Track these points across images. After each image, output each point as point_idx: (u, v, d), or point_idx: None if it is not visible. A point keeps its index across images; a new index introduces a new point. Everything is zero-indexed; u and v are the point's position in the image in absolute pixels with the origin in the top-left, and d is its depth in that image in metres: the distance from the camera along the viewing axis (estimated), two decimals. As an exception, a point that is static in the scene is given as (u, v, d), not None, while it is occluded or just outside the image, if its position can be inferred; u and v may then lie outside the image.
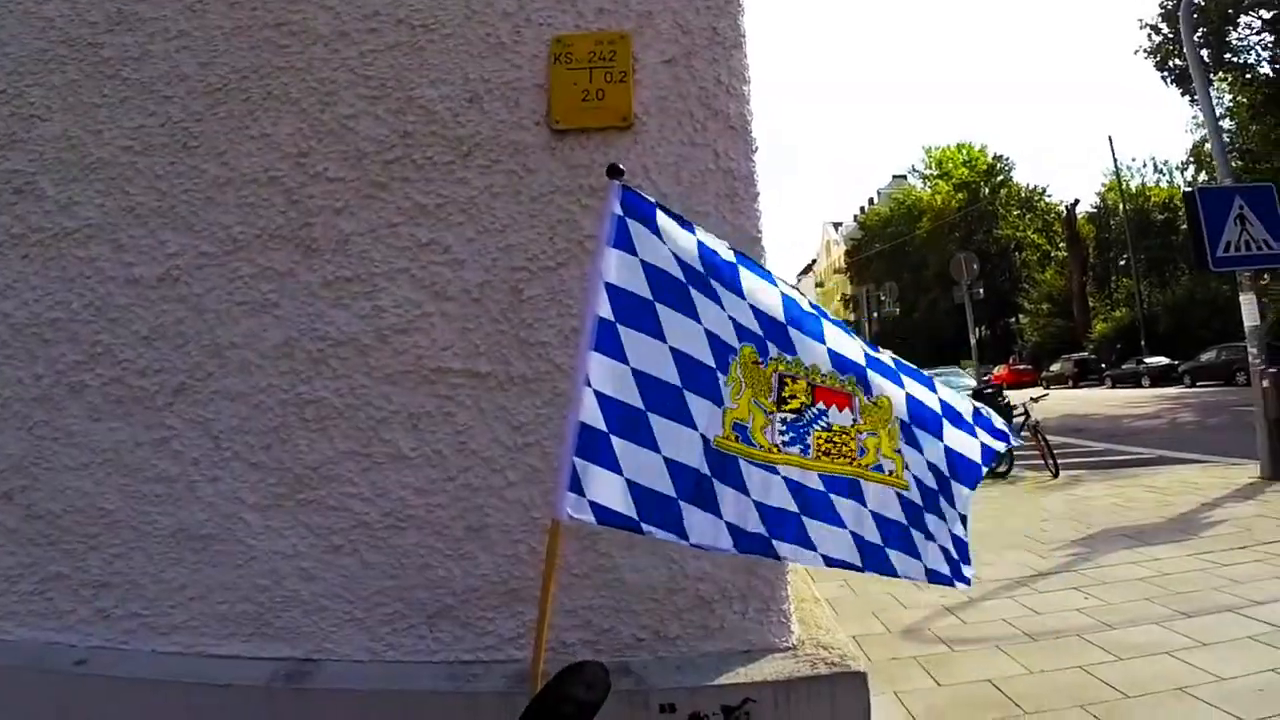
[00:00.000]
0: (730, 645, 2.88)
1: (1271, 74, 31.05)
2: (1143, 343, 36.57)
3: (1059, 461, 10.31)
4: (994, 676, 3.55)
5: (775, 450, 2.05)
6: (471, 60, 3.05)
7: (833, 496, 2.11)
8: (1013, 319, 57.30)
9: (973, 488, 2.33)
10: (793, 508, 2.05)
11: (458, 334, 2.99)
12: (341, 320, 3.03)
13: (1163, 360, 33.21)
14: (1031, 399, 11.64)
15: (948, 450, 2.29)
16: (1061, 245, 52.75)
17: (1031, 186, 62.06)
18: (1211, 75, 28.16)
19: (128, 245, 3.13)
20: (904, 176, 71.07)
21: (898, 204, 66.45)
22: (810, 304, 2.20)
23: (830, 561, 2.08)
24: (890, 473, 2.18)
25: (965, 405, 2.39)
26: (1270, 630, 3.84)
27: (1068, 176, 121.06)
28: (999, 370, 40.74)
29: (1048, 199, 60.38)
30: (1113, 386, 34.53)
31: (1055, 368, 41.37)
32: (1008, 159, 62.80)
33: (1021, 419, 10.63)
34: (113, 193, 3.15)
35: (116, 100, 3.18)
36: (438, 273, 3.01)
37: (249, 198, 3.09)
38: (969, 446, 2.36)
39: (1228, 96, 31.01)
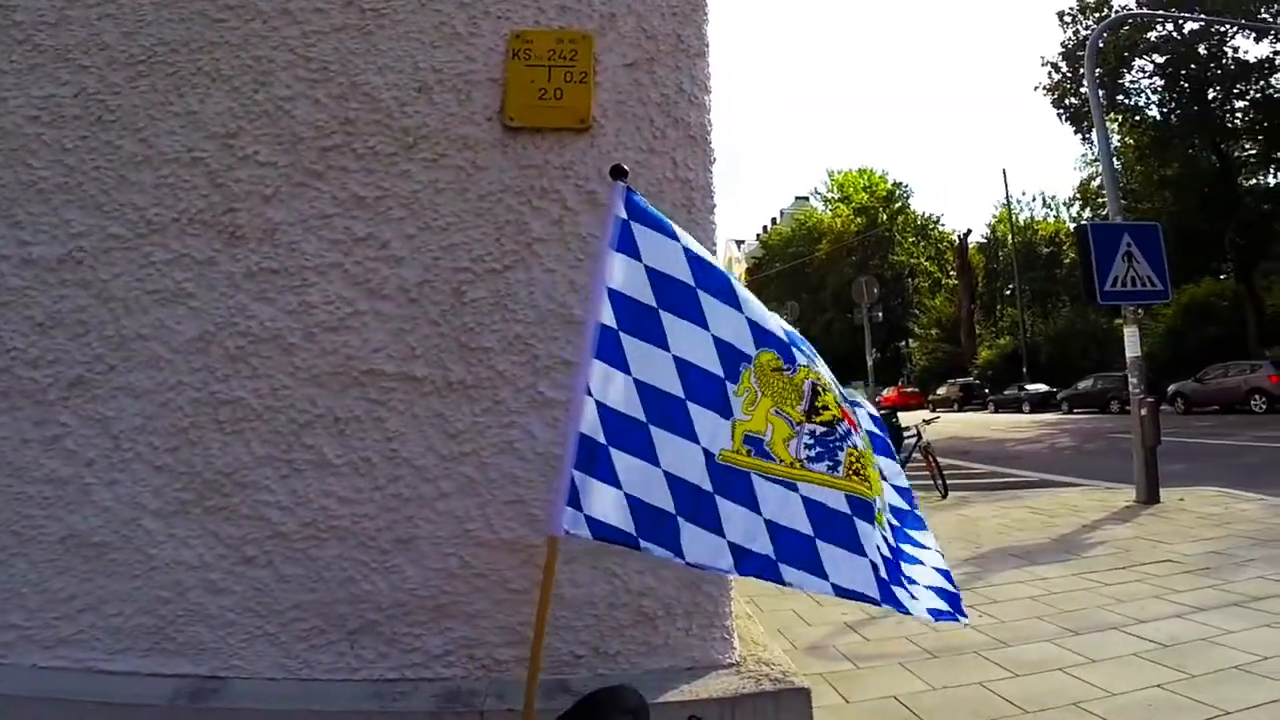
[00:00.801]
0: (674, 662, 2.81)
1: (1159, 117, 33.27)
2: (1024, 370, 38.49)
3: (948, 482, 10.67)
4: (899, 693, 3.59)
5: (798, 465, 1.97)
6: (423, 49, 2.91)
7: (857, 521, 2.00)
8: (903, 343, 59.43)
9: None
10: (807, 530, 1.96)
11: (392, 335, 2.84)
12: (265, 315, 2.83)
13: (1043, 387, 35.03)
14: (924, 421, 12.03)
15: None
16: (952, 273, 55.04)
17: (927, 214, 64.69)
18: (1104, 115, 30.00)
19: (25, 223, 2.86)
20: (806, 198, 72.89)
21: (799, 225, 68.07)
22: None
23: (840, 591, 1.96)
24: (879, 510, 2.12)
25: None
26: (1154, 647, 4.02)
27: (962, 206, 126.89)
28: (888, 392, 42.24)
29: (942, 228, 63.02)
30: (995, 411, 36.17)
31: (941, 391, 43.15)
32: (906, 186, 65.12)
33: (914, 440, 10.97)
34: (13, 165, 2.87)
35: (25, 67, 2.91)
36: (373, 269, 2.85)
37: (168, 178, 2.87)
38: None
39: (1116, 137, 32.92)
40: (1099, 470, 12.39)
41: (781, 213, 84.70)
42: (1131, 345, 9.44)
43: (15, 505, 2.79)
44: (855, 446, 2.03)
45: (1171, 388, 25.43)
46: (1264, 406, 22.70)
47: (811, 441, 1.98)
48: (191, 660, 2.75)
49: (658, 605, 2.83)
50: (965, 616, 2.15)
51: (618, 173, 1.98)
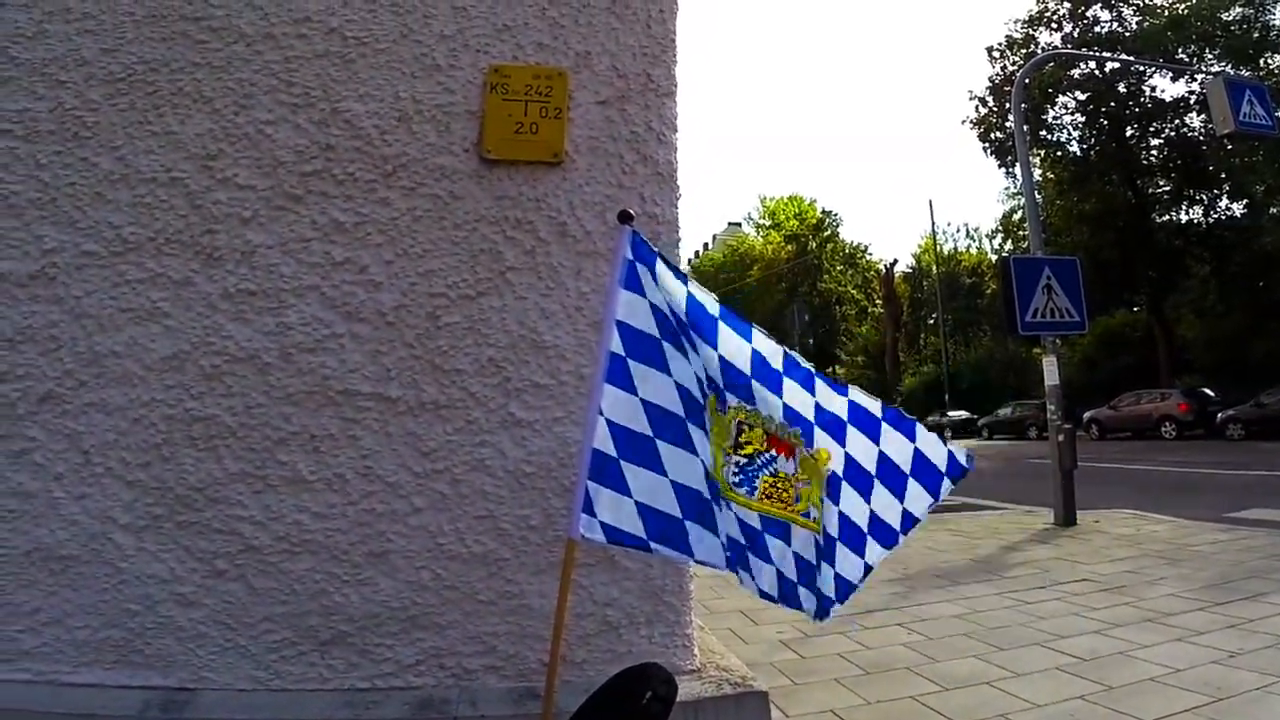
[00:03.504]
0: (637, 668, 2.93)
1: (1079, 153, 34.42)
2: (946, 397, 39.41)
3: (876, 506, 10.90)
4: (836, 707, 3.73)
5: (729, 489, 2.18)
6: (404, 79, 3.00)
7: (766, 536, 2.23)
8: (830, 369, 60.36)
9: (886, 548, 2.40)
10: (742, 540, 2.18)
11: (368, 357, 2.91)
12: (241, 335, 2.88)
13: (964, 414, 35.94)
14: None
15: (872, 515, 2.39)
16: (879, 302, 56.08)
17: (855, 243, 65.78)
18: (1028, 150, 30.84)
19: (-5, 237, 2.86)
20: (739, 224, 73.70)
21: (731, 250, 68.66)
22: (784, 358, 2.31)
23: (762, 593, 2.20)
24: (814, 519, 2.30)
25: (905, 455, 2.45)
26: (1074, 661, 4.24)
27: (890, 236, 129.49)
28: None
29: (869, 257, 64.17)
30: (918, 437, 36.93)
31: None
32: (836, 215, 65.91)
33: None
34: (-16, 179, 2.87)
35: (0, 80, 2.92)
36: (350, 293, 2.92)
37: (145, 197, 2.90)
38: (892, 512, 2.44)
39: (1037, 172, 33.75)
40: (1018, 494, 12.78)
41: (714, 237, 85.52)
42: (1050, 374, 9.80)
43: (-21, 519, 2.77)
44: (774, 474, 2.25)
45: (1086, 414, 26.34)
46: (1174, 433, 23.71)
47: (736, 470, 2.21)
48: (160, 672, 2.76)
49: (621, 615, 2.94)
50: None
51: (624, 217, 2.15)
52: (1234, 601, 5.28)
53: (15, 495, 2.80)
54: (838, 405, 2.40)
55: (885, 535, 2.43)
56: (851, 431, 2.41)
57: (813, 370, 2.38)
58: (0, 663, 2.74)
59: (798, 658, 4.56)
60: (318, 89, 2.98)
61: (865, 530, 2.39)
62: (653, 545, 2.07)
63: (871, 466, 2.41)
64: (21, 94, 2.92)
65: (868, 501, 2.40)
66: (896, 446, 2.44)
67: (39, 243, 2.88)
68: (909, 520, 2.47)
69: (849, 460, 2.39)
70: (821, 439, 2.35)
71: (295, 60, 2.99)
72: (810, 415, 2.33)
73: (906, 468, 2.46)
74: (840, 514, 2.36)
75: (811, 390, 2.35)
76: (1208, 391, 25.12)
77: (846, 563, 2.37)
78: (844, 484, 2.38)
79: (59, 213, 2.89)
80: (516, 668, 2.86)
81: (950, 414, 36.91)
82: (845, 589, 2.38)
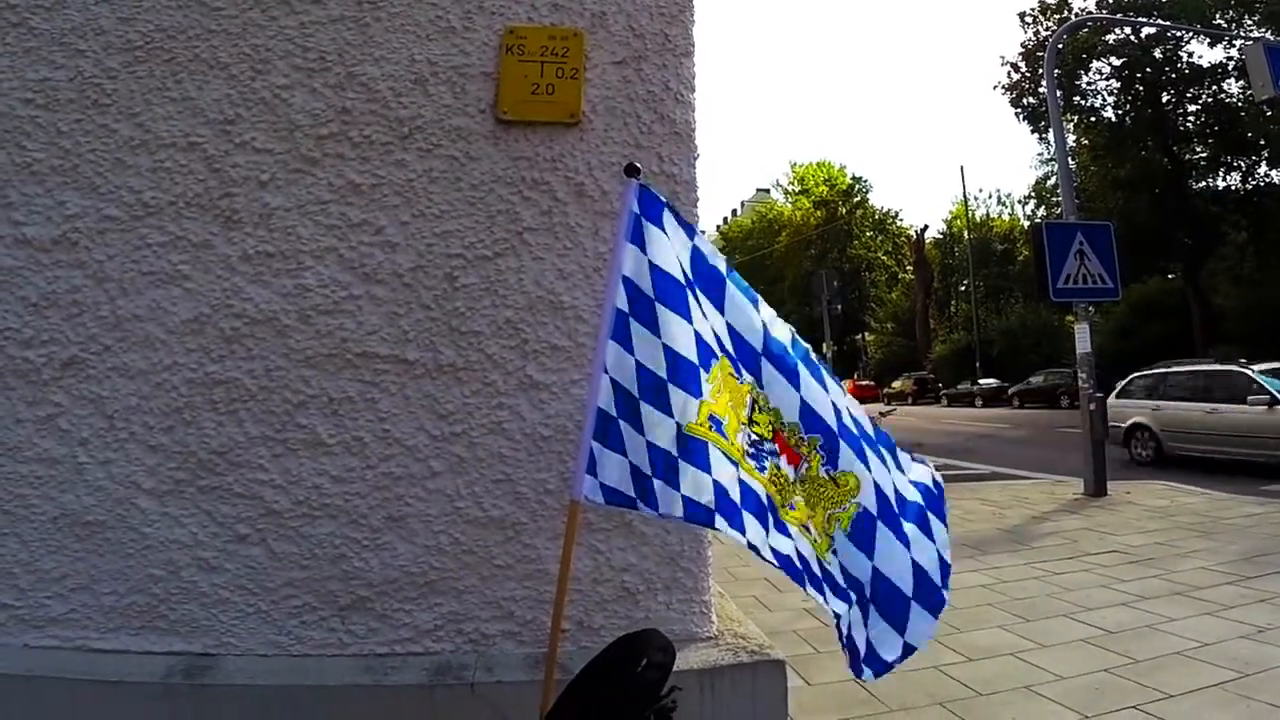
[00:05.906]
0: (654, 635, 2.92)
1: (1114, 119, 33.73)
2: (977, 364, 39.05)
3: (905, 474, 10.89)
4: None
5: (741, 455, 2.14)
6: (419, 42, 2.97)
7: (769, 514, 2.15)
8: (859, 336, 59.93)
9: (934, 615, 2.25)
10: (736, 499, 2.11)
11: (386, 319, 2.91)
12: (260, 298, 2.89)
13: (994, 382, 35.57)
14: (880, 414, 12.31)
15: (915, 565, 2.21)
16: (909, 268, 55.49)
17: (886, 209, 65.04)
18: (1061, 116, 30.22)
19: (19, 203, 2.88)
20: (768, 190, 73.01)
21: (760, 216, 68.10)
22: (791, 339, 2.24)
23: (751, 546, 2.07)
24: (815, 542, 2.17)
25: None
26: (1100, 634, 4.21)
27: (920, 201, 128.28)
28: (844, 384, 42.54)
29: (900, 223, 63.45)
30: (948, 405, 36.69)
31: (896, 384, 43.64)
32: (866, 181, 65.08)
33: (872, 432, 11.21)
34: (6, 147, 2.88)
35: (20, 50, 2.92)
36: (368, 254, 2.92)
37: (165, 162, 2.90)
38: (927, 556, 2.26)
39: (1071, 138, 33.06)
40: (1048, 463, 12.69)
41: (742, 204, 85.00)
42: (1082, 342, 9.69)
43: (7, 484, 2.82)
44: (779, 468, 2.15)
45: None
46: (1208, 404, 23.25)
47: (749, 444, 2.16)
48: (184, 638, 2.80)
49: (639, 580, 2.94)
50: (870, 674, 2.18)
51: (631, 171, 2.12)
52: (1266, 576, 5.23)
53: (42, 461, 2.83)
54: (854, 410, 2.30)
55: (931, 594, 2.22)
56: (869, 453, 2.25)
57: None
58: (32, 629, 2.79)
59: (820, 625, 4.57)
60: (333, 53, 2.96)
61: (909, 594, 2.19)
62: (639, 504, 2.04)
63: (891, 494, 2.23)
64: (41, 64, 2.92)
65: (908, 547, 2.21)
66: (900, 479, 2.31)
67: (61, 208, 2.89)
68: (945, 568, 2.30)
69: (879, 492, 2.20)
70: (847, 458, 2.18)
71: (311, 25, 2.96)
72: (831, 421, 2.18)
73: (920, 499, 2.31)
74: (874, 569, 2.16)
75: (825, 386, 2.22)
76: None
77: (883, 633, 2.18)
78: (879, 526, 2.17)
79: (80, 179, 2.90)
80: (533, 633, 2.86)
81: (981, 381, 36.60)
82: (879, 662, 2.16)
